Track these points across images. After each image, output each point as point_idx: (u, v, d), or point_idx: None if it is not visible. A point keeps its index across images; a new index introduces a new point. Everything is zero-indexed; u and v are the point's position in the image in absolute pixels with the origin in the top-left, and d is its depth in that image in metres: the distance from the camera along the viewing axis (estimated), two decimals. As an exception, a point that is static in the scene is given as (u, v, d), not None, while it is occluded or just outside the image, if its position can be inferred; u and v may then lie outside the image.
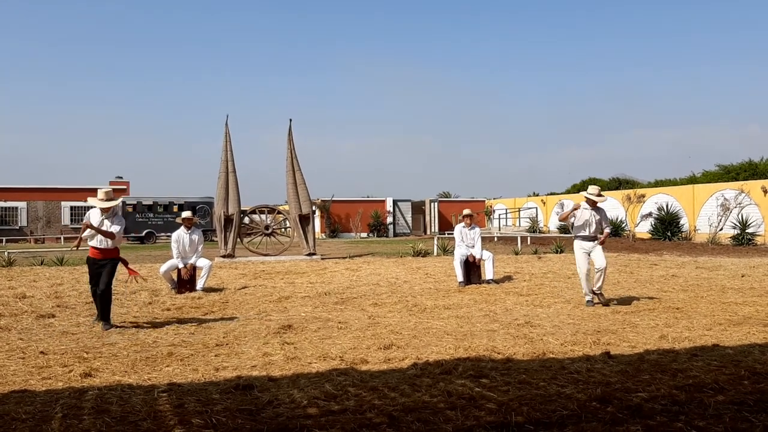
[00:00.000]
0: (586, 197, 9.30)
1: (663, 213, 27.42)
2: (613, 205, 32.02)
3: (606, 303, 9.17)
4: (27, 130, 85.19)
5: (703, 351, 6.19)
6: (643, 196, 29.83)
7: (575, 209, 9.31)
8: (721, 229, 24.99)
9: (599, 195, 9.24)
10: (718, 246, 22.79)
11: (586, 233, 9.25)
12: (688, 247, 22.30)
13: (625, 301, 9.64)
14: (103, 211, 8.06)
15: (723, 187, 27.21)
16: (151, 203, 37.21)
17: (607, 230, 9.44)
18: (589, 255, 9.27)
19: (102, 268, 7.96)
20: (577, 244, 9.34)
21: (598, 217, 9.30)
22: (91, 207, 8.22)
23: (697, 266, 15.28)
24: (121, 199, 8.20)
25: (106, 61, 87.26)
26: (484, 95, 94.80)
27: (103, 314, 7.94)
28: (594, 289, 9.26)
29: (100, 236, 7.94)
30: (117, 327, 7.90)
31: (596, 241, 9.30)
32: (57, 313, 8.94)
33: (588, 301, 9.18)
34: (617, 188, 41.20)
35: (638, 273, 13.78)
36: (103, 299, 7.90)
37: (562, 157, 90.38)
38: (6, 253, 18.03)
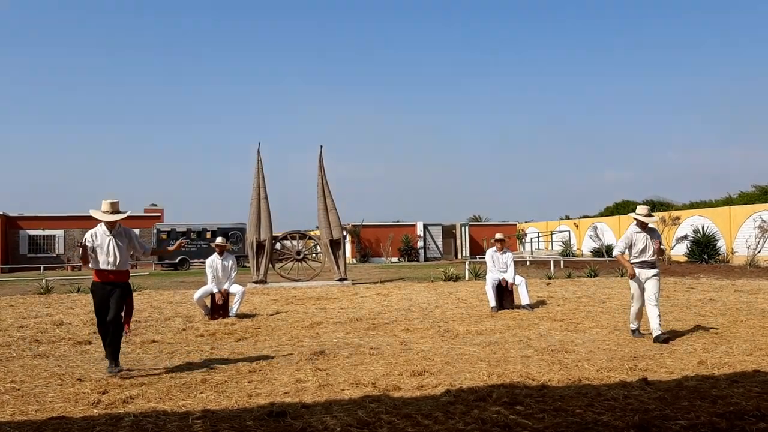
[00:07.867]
0: (635, 218, 8.57)
1: (699, 235, 26.94)
2: (648, 227, 31.55)
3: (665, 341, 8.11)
4: (63, 159, 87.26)
5: (744, 377, 6.05)
6: (678, 218, 29.36)
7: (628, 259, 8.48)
8: (759, 252, 24.44)
9: (648, 215, 8.56)
10: (756, 269, 22.28)
11: (645, 258, 8.42)
12: (726, 270, 21.85)
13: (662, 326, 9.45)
14: (110, 226, 6.96)
15: (760, 208, 26.60)
16: (185, 230, 37.76)
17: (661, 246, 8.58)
18: (644, 284, 8.42)
19: (111, 294, 6.80)
20: (636, 272, 8.45)
21: (652, 238, 8.50)
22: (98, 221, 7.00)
23: (736, 289, 14.95)
24: (128, 213, 7.16)
25: (140, 90, 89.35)
26: (515, 115, 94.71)
27: (114, 351, 6.79)
28: (654, 332, 8.20)
29: (106, 257, 6.82)
30: (125, 370, 6.81)
31: (655, 266, 8.48)
32: (93, 340, 9.08)
33: (634, 331, 8.61)
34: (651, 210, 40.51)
35: (675, 297, 13.53)
36: (115, 331, 6.78)
37: (594, 180, 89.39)
38: (44, 281, 18.43)
